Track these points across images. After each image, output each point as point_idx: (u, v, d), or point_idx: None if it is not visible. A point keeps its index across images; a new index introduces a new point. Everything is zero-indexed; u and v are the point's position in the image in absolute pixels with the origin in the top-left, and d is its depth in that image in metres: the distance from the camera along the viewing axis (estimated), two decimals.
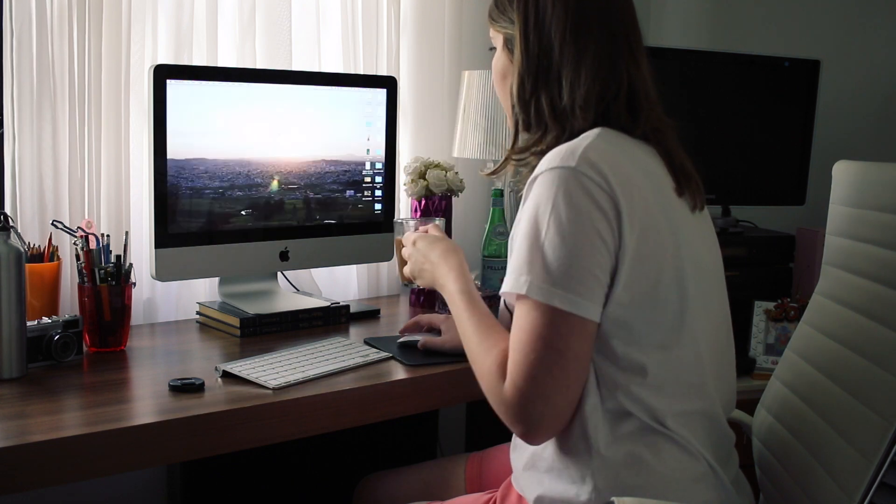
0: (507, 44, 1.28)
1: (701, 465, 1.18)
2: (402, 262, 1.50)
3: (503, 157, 1.30)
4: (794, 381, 1.44)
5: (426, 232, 1.47)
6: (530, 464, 1.24)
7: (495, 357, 1.17)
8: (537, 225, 1.11)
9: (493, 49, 1.33)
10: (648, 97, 1.24)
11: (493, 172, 1.38)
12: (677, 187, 1.21)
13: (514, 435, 1.28)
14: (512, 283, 1.13)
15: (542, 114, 1.23)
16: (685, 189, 1.22)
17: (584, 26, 1.21)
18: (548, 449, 1.21)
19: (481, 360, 1.19)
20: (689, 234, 1.20)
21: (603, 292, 1.11)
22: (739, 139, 2.33)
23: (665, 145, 1.23)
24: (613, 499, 1.08)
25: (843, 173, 1.42)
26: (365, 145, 1.97)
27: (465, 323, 1.26)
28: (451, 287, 1.33)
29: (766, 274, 2.27)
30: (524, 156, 1.25)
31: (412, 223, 1.55)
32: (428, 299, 2.06)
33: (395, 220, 1.53)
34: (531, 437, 1.16)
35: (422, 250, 1.42)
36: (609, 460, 1.15)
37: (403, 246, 1.48)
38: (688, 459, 1.17)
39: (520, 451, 1.27)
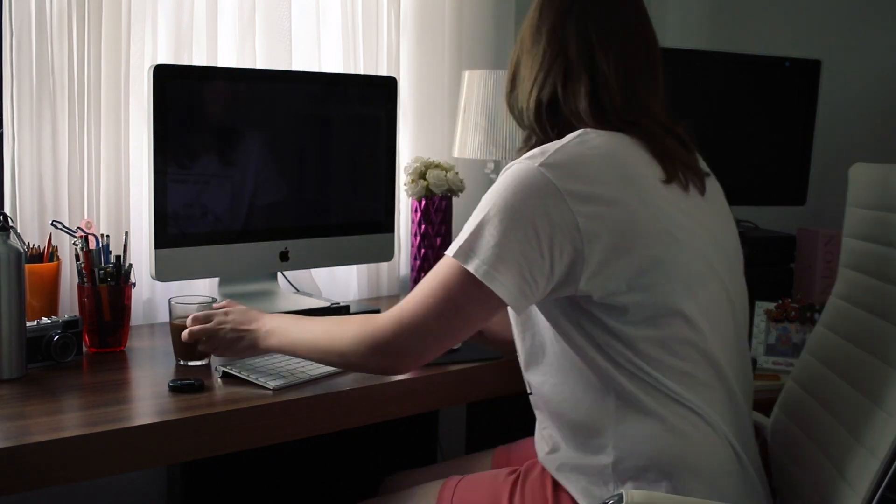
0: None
1: (725, 448, 1.20)
2: (181, 344, 1.48)
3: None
4: (811, 383, 1.44)
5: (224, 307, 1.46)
6: (551, 449, 1.28)
7: (355, 321, 1.22)
8: (485, 208, 1.16)
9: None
10: (636, 92, 1.27)
11: None
12: (665, 175, 1.22)
13: (536, 427, 1.34)
14: (448, 250, 1.17)
15: (541, 115, 1.27)
16: (674, 175, 1.22)
17: (593, 25, 1.25)
18: (565, 435, 1.25)
19: (339, 334, 1.24)
20: (682, 218, 1.21)
21: (527, 286, 1.13)
22: (739, 139, 2.32)
23: (649, 132, 1.24)
24: (622, 491, 1.09)
25: (861, 175, 1.42)
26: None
27: (312, 328, 1.30)
28: (282, 322, 1.36)
29: (767, 274, 2.26)
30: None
31: (194, 306, 1.50)
32: None
33: (170, 300, 1.51)
34: (389, 369, 1.21)
35: (239, 313, 1.42)
36: (628, 430, 1.18)
37: (197, 323, 1.44)
38: (715, 442, 1.18)
39: (541, 445, 1.32)
